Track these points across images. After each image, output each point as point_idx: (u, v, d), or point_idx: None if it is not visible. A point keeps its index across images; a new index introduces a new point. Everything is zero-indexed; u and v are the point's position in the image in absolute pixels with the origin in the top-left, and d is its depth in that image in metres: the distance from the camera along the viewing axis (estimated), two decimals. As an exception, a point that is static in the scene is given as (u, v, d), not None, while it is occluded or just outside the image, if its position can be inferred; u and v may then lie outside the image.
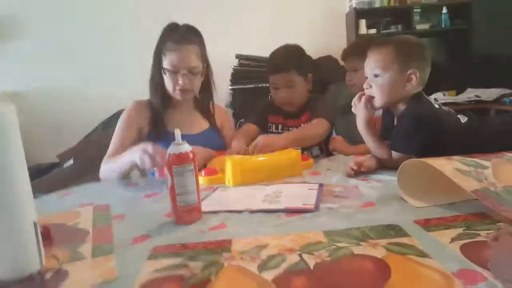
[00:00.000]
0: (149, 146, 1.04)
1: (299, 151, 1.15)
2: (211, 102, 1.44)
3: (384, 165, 1.07)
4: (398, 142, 1.03)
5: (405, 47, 1.03)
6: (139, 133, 1.32)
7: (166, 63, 1.27)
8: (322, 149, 1.49)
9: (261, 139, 1.22)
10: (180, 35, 1.28)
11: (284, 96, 1.44)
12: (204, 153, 1.23)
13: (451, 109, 1.07)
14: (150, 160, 1.02)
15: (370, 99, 1.07)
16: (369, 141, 1.10)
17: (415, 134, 0.98)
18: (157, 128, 1.32)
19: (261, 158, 1.14)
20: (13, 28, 3.37)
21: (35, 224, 0.56)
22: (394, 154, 1.03)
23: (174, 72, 1.27)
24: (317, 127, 1.37)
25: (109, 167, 1.24)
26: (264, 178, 1.06)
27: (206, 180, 1.07)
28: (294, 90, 1.43)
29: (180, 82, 1.27)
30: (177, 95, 1.31)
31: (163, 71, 1.29)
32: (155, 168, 1.16)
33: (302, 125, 1.46)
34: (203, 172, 1.09)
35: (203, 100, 1.42)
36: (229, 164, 1.04)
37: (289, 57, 1.44)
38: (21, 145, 0.57)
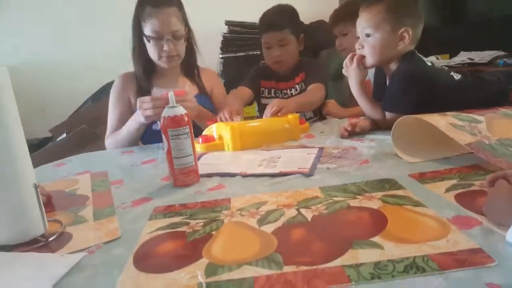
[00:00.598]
0: (143, 98, 1.07)
1: (297, 115, 1.14)
2: (196, 66, 1.40)
3: (378, 126, 1.08)
4: (390, 102, 1.03)
5: (397, 4, 1.00)
6: (130, 105, 1.31)
7: (147, 30, 1.22)
8: (315, 111, 1.50)
9: (276, 102, 1.22)
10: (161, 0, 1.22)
11: (277, 55, 1.42)
12: (195, 105, 1.19)
13: (444, 67, 1.07)
14: (152, 109, 1.06)
15: (362, 58, 1.06)
16: (363, 103, 1.10)
17: (406, 94, 0.98)
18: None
19: (258, 123, 1.14)
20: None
21: (35, 186, 0.56)
22: (388, 114, 1.04)
23: (158, 39, 1.22)
24: (318, 92, 1.37)
25: (116, 141, 1.25)
26: (263, 143, 1.06)
27: (203, 147, 1.07)
28: (287, 49, 1.42)
29: (166, 48, 1.21)
30: (163, 63, 1.26)
31: (146, 39, 1.23)
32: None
33: (296, 86, 1.46)
34: (200, 139, 1.09)
35: (188, 65, 1.37)
36: (228, 129, 1.04)
37: (283, 16, 1.43)
38: (15, 106, 0.56)
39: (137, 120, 1.16)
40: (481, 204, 0.52)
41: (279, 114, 1.14)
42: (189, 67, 1.38)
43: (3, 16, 3.28)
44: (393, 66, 1.04)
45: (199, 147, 1.06)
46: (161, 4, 1.20)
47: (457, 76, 1.02)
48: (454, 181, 0.65)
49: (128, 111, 1.30)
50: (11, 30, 3.30)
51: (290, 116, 1.12)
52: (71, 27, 3.34)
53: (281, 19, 1.41)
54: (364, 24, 1.02)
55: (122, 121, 1.25)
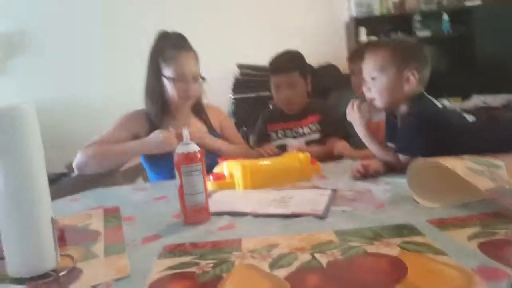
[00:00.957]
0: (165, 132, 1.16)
1: (308, 155, 1.14)
2: (203, 105, 1.44)
3: (392, 168, 1.06)
4: (403, 145, 1.01)
5: (401, 48, 1.03)
6: (132, 138, 1.30)
7: (169, 71, 1.27)
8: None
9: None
10: (177, 42, 1.29)
11: (286, 96, 1.49)
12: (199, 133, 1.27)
13: (456, 108, 1.06)
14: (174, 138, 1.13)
15: (371, 101, 1.07)
16: (372, 146, 1.09)
17: (419, 135, 0.96)
18: None
19: (268, 162, 1.14)
20: (19, 45, 3.44)
21: (52, 220, 0.56)
22: (401, 156, 1.01)
23: (182, 80, 1.27)
24: (336, 144, 1.40)
25: (101, 151, 1.23)
26: (274, 182, 1.04)
27: (214, 185, 1.06)
28: (296, 91, 1.48)
29: (188, 89, 1.27)
30: (182, 102, 1.31)
31: (167, 79, 1.28)
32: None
33: (310, 125, 1.51)
34: (211, 177, 1.08)
35: (198, 104, 1.42)
36: (239, 167, 1.03)
37: (292, 59, 1.52)
38: (40, 142, 0.57)
39: (153, 147, 1.19)
40: (508, 255, 0.50)
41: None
42: (199, 106, 1.43)
43: (26, 55, 3.47)
44: (403, 108, 1.04)
45: (210, 185, 1.05)
46: (182, 48, 1.28)
47: (470, 118, 1.01)
48: (476, 229, 0.62)
49: (124, 141, 1.29)
50: (31, 70, 3.47)
51: (301, 156, 1.11)
52: (91, 66, 3.50)
53: (289, 61, 1.51)
54: (370, 67, 1.04)
55: (115, 144, 1.26)
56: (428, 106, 1.00)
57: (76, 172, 1.30)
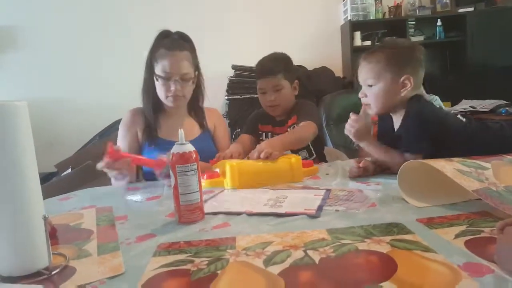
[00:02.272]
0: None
1: (299, 157, 1.15)
2: (202, 107, 1.44)
3: (383, 169, 1.07)
4: (410, 144, 1.00)
5: (396, 53, 1.02)
6: (137, 138, 1.35)
7: (158, 70, 1.27)
8: (311, 151, 1.50)
9: (265, 144, 1.23)
10: (172, 42, 1.29)
11: (271, 100, 1.46)
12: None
13: (450, 110, 1.09)
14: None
15: (365, 107, 1.07)
16: (381, 153, 1.06)
17: (422, 133, 0.97)
18: (149, 136, 1.33)
19: (260, 163, 1.14)
20: (10, 40, 3.40)
21: (44, 218, 0.56)
22: (408, 155, 0.99)
23: (166, 79, 1.27)
24: (305, 129, 1.37)
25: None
26: (263, 182, 1.06)
27: (207, 183, 1.08)
28: (281, 94, 1.45)
29: (172, 88, 1.26)
30: (169, 102, 1.30)
31: (155, 78, 1.29)
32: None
33: (288, 129, 1.46)
34: (205, 175, 1.09)
35: (194, 106, 1.42)
36: (227, 167, 1.06)
37: (276, 62, 1.48)
38: (31, 140, 0.57)
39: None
40: (492, 251, 0.51)
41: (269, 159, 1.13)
42: (195, 108, 1.42)
43: (15, 53, 3.43)
44: (400, 111, 1.05)
45: (203, 182, 1.06)
46: (175, 48, 1.27)
47: (463, 120, 1.04)
48: (463, 227, 0.64)
49: (135, 144, 1.34)
50: (22, 66, 3.44)
51: (293, 159, 1.12)
52: (81, 66, 3.48)
53: (275, 65, 1.46)
54: (365, 74, 1.04)
55: (129, 152, 1.26)
56: (426, 106, 1.02)
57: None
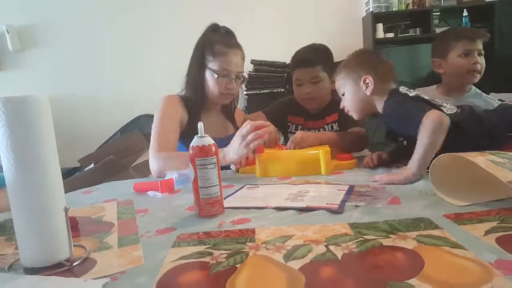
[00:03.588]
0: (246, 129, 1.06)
1: (329, 149, 1.12)
2: (236, 107, 1.45)
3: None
4: (410, 122, 0.94)
5: (349, 63, 1.13)
6: (180, 126, 1.28)
7: (215, 65, 1.25)
8: None
9: (299, 135, 1.22)
10: (229, 39, 1.28)
11: (307, 92, 1.39)
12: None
13: (433, 100, 1.03)
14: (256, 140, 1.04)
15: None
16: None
17: (406, 111, 0.98)
18: (192, 126, 1.26)
19: (289, 152, 1.18)
20: (33, 38, 3.50)
21: (66, 209, 0.56)
22: (421, 128, 0.92)
23: (224, 76, 1.26)
24: (359, 140, 1.32)
25: (174, 163, 1.12)
26: (290, 172, 1.09)
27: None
28: (319, 87, 1.39)
29: (230, 86, 1.26)
30: (221, 98, 1.30)
31: (212, 73, 1.26)
32: None
33: (326, 126, 1.42)
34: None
35: (231, 105, 1.41)
36: (256, 156, 1.12)
37: (316, 53, 1.41)
38: (53, 133, 0.58)
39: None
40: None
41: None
42: (231, 107, 1.42)
43: (39, 50, 3.53)
44: (380, 107, 1.08)
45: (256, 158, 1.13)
46: (234, 46, 1.28)
47: (452, 110, 0.99)
48: (494, 223, 0.61)
49: (178, 130, 1.26)
50: (45, 63, 3.54)
51: (321, 150, 1.10)
52: (104, 64, 3.55)
53: (314, 56, 1.40)
54: (337, 89, 1.17)
55: (171, 140, 1.22)
56: (396, 97, 1.04)
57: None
